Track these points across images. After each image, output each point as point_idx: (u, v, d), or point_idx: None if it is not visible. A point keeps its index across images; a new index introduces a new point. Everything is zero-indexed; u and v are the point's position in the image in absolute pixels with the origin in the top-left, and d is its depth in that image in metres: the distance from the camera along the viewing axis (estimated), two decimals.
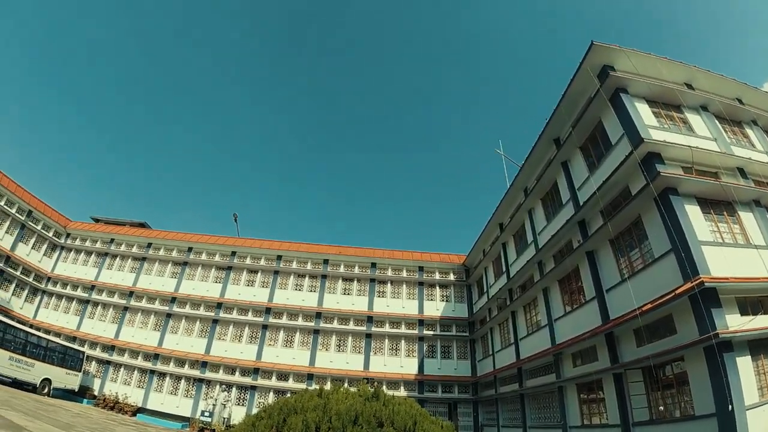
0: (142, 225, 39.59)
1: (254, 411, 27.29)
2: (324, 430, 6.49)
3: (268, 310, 31.39)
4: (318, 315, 30.78)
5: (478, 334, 27.42)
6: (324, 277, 32.37)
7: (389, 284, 31.37)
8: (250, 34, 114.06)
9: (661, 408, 12.69)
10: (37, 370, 24.74)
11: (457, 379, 27.02)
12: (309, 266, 32.81)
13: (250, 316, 31.46)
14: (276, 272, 33.02)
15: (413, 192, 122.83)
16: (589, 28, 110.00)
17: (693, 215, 12.46)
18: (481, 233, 26.54)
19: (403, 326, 29.50)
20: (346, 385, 26.59)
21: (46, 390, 25.01)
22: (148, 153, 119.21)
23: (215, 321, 31.54)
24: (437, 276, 30.82)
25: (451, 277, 30.68)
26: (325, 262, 32.70)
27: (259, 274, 33.36)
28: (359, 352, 29.31)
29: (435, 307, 29.85)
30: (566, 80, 15.95)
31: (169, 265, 34.75)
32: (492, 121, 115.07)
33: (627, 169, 13.85)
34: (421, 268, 31.14)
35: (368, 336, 29.65)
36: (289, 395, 26.52)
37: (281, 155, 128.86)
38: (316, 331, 30.40)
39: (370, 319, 29.98)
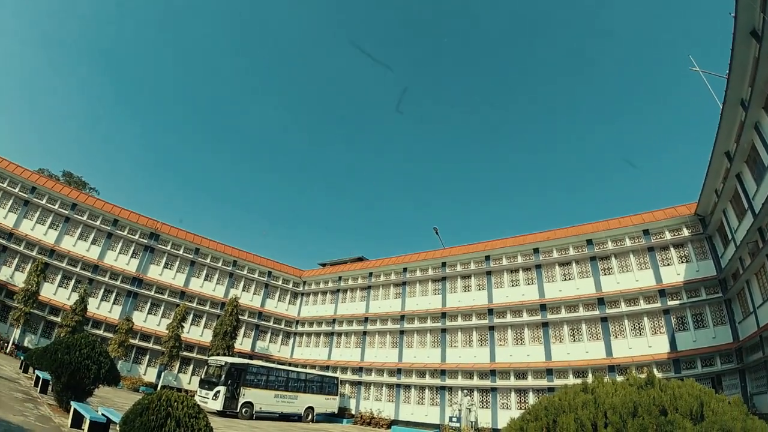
0: (360, 259, 46.33)
1: (498, 412, 29.28)
2: (600, 427, 6.25)
3: (490, 311, 33.22)
4: (542, 307, 31.21)
5: (732, 291, 24.11)
6: (538, 266, 32.75)
7: (613, 258, 29.99)
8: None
9: None
10: (300, 402, 31.37)
11: (717, 348, 24.03)
12: (519, 259, 33.66)
13: (474, 320, 33.82)
14: (488, 273, 34.82)
15: (614, 152, 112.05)
16: None
17: None
18: (707, 170, 23.58)
19: (641, 302, 27.80)
20: (590, 376, 26.34)
21: (309, 417, 31.43)
22: (354, 195, 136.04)
23: (443, 330, 34.83)
24: (668, 236, 28.20)
25: (685, 232, 27.71)
26: (536, 251, 33.14)
27: (472, 278, 35.66)
28: (597, 339, 28.61)
29: (675, 272, 27.32)
30: None
31: (391, 287, 39.99)
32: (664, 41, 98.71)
33: None
34: (646, 232, 28.95)
35: (603, 320, 28.78)
36: (531, 394, 27.76)
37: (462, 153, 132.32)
38: (545, 324, 30.85)
39: (601, 301, 29.11)
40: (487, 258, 35.27)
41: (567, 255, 31.78)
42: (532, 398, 28.59)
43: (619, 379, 8.33)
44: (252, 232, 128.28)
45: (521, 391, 29.77)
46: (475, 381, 31.52)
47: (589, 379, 7.91)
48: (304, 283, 46.94)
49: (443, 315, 35.33)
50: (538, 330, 31.23)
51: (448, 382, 32.42)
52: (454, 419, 29.12)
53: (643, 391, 6.78)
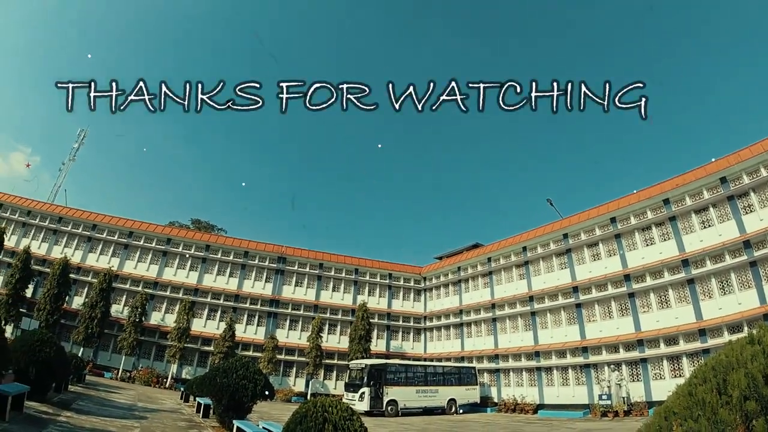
0: (476, 246, 47.33)
1: (651, 384, 28.80)
2: None
3: (626, 277, 32.21)
4: (684, 263, 29.35)
5: None
6: (672, 219, 30.87)
7: (752, 194, 27.24)
8: None
9: None
10: (441, 395, 33.52)
11: None
12: (649, 215, 31.78)
13: (610, 290, 33.07)
14: (617, 236, 33.63)
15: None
16: None
17: None
18: None
19: None
20: (746, 329, 24.84)
21: (453, 409, 33.32)
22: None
23: (577, 305, 34.63)
24: None
25: None
26: (666, 202, 31.20)
27: (599, 245, 34.84)
28: (749, 287, 26.12)
29: None
30: None
31: (513, 269, 40.68)
32: None
33: None
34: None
35: (752, 264, 26.13)
36: (685, 360, 26.98)
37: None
38: (690, 281, 29.03)
39: (747, 244, 26.68)
40: (613, 220, 34.27)
41: (702, 199, 29.81)
42: (686, 364, 27.62)
43: None
44: (368, 240, 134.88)
45: (674, 359, 28.77)
46: (621, 354, 30.98)
47: (754, 331, 8.08)
48: (425, 279, 49.42)
49: (575, 289, 35.10)
50: (683, 289, 29.85)
51: (592, 358, 32.28)
52: (604, 397, 29.07)
53: None
